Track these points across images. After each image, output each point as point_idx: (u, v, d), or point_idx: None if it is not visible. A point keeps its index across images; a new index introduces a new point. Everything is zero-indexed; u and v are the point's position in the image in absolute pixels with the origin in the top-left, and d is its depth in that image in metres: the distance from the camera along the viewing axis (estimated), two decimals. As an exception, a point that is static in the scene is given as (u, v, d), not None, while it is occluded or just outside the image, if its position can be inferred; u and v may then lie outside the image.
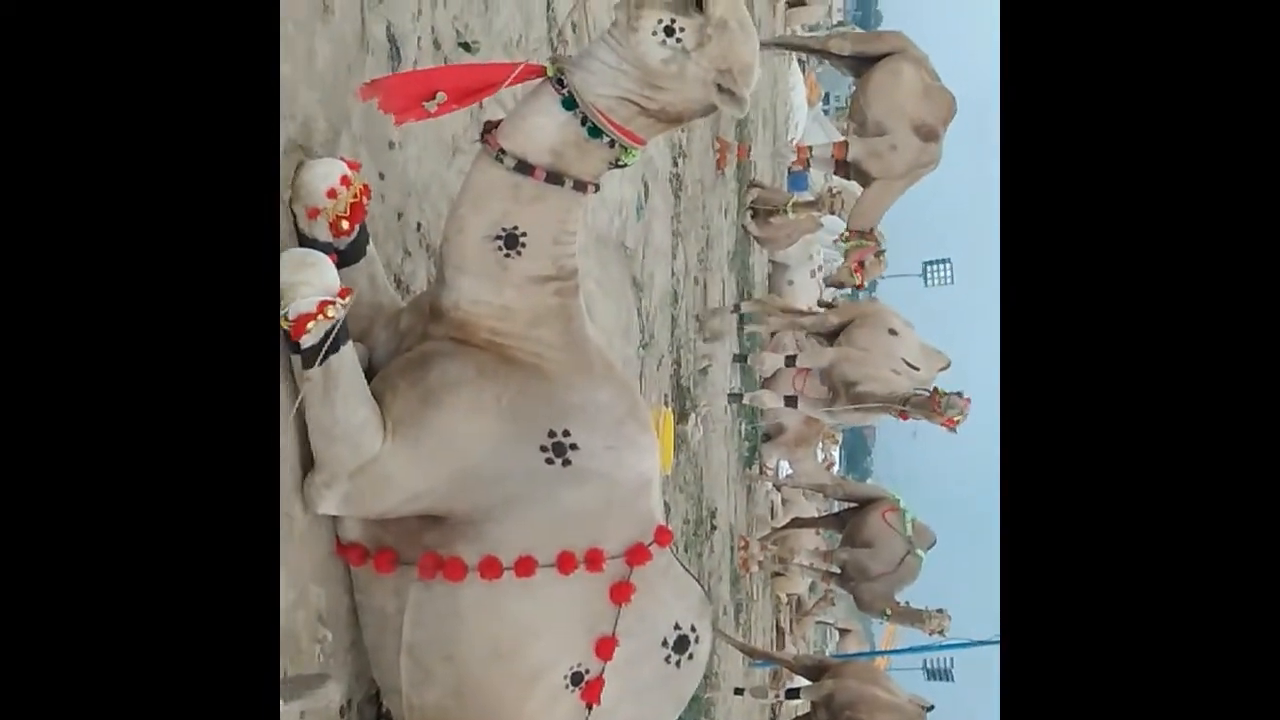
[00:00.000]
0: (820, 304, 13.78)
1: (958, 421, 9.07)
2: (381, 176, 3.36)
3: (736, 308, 11.17)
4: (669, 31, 2.61)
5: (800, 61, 20.72)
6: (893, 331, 10.08)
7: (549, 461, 2.85)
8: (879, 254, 10.44)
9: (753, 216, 13.28)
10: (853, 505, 12.31)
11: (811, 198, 13.47)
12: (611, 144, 2.76)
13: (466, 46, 3.94)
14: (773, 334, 11.46)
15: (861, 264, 10.40)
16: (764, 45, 13.22)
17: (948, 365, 10.10)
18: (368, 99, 2.86)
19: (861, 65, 10.06)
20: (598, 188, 2.86)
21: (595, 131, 2.73)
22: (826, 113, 27.82)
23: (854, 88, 10.25)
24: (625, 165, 2.88)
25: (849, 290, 13.47)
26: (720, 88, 2.66)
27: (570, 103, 2.71)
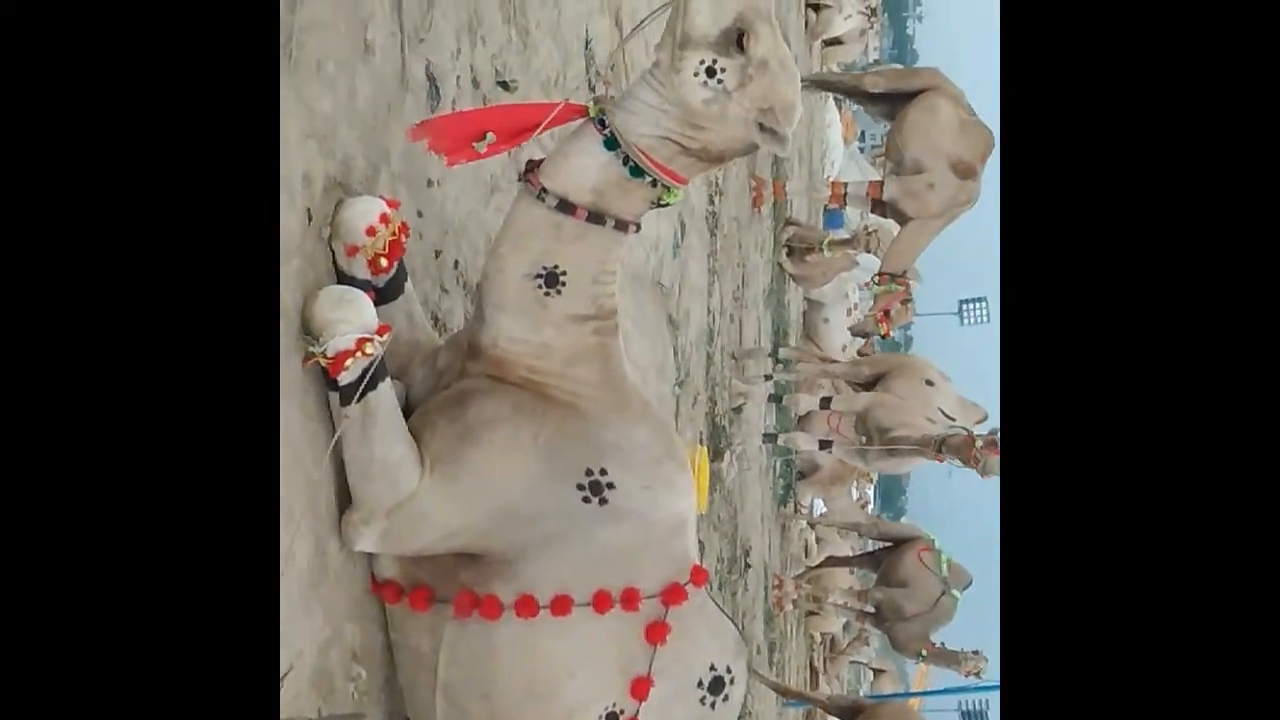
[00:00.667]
0: (859, 353, 13.72)
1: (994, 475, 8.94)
2: (420, 214, 3.37)
3: (774, 353, 11.11)
4: (710, 72, 2.62)
5: (836, 99, 20.76)
6: (929, 382, 9.99)
7: (585, 500, 2.84)
8: (906, 302, 10.34)
9: (788, 254, 13.28)
10: (887, 544, 12.23)
11: (847, 235, 13.47)
12: (653, 183, 2.77)
13: (505, 85, 3.96)
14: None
15: (887, 313, 10.29)
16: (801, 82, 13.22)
17: (985, 418, 9.93)
18: (417, 140, 2.87)
19: (896, 104, 10.02)
20: (639, 227, 2.87)
21: (637, 171, 2.73)
22: (862, 150, 27.83)
23: (890, 126, 10.18)
24: (667, 205, 2.89)
25: (875, 339, 13.35)
26: (762, 126, 2.67)
27: (612, 143, 2.72)
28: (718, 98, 2.64)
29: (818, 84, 13.15)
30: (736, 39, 2.61)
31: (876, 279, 10.30)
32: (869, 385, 10.13)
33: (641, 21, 2.88)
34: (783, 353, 11.26)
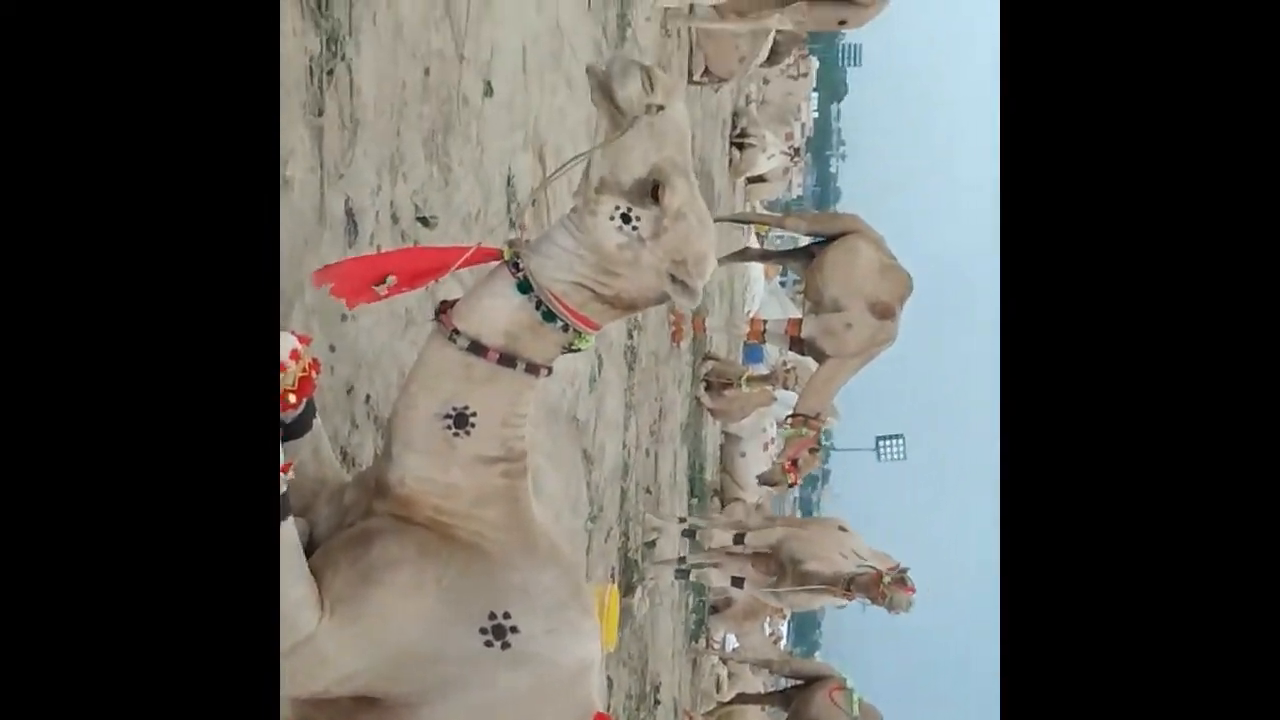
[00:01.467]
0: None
1: (902, 612, 8.98)
2: (332, 349, 3.36)
3: (683, 519, 11.10)
4: (625, 218, 2.64)
5: (758, 235, 21.05)
6: (842, 529, 10.04)
7: (488, 644, 2.80)
8: (814, 450, 10.41)
9: (707, 389, 13.35)
10: (799, 682, 12.17)
11: (766, 371, 13.57)
12: (566, 328, 2.77)
13: (425, 221, 3.98)
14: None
15: (795, 462, 10.36)
16: (722, 220, 13.46)
17: (895, 566, 9.96)
18: (320, 286, 2.87)
19: (815, 247, 10.20)
20: (550, 371, 2.86)
21: (549, 316, 2.74)
22: (784, 284, 28.12)
23: (809, 266, 10.33)
24: (579, 350, 2.89)
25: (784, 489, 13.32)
26: (674, 278, 2.68)
27: (525, 286, 2.73)
28: (632, 244, 2.66)
29: (739, 221, 13.38)
30: (652, 190, 2.63)
31: (789, 420, 10.38)
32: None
33: (561, 167, 2.91)
34: (691, 520, 11.21)
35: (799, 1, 10.62)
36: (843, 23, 10.94)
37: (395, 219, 3.79)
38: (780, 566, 9.86)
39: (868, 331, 9.96)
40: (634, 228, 2.64)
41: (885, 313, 9.92)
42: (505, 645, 2.80)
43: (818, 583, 9.35)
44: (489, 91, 4.86)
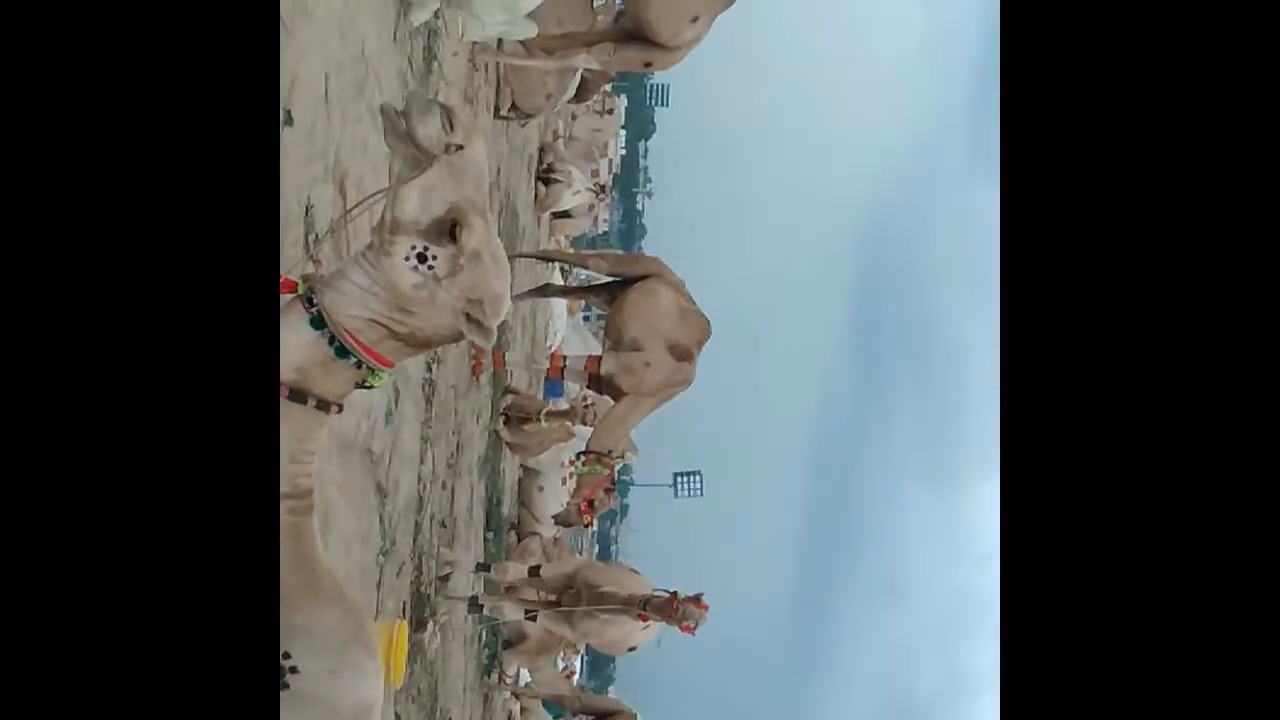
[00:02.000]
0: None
1: (694, 627, 9.08)
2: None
3: (480, 566, 11.08)
4: (422, 258, 2.65)
5: (562, 270, 21.13)
6: (635, 571, 10.14)
7: None
8: (609, 490, 10.50)
9: (505, 423, 13.34)
10: (591, 718, 12.20)
11: (566, 406, 13.61)
12: (359, 365, 2.75)
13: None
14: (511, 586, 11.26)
15: (591, 503, 10.44)
16: (525, 256, 13.47)
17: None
18: None
19: (617, 286, 10.28)
20: (341, 408, 2.84)
21: (343, 352, 2.72)
22: (587, 320, 28.25)
23: (609, 306, 10.42)
24: (372, 387, 2.87)
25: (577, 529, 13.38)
26: (469, 317, 2.69)
27: (319, 322, 2.71)
28: (427, 283, 2.66)
29: (543, 258, 13.44)
30: (449, 229, 2.64)
31: (582, 458, 10.43)
32: (565, 588, 10.12)
33: (359, 203, 2.90)
34: (491, 572, 11.19)
35: (605, 42, 10.72)
36: (648, 64, 11.07)
37: (187, 247, 3.70)
38: (576, 595, 9.86)
39: (665, 371, 10.07)
40: (430, 267, 2.65)
41: (683, 355, 10.06)
42: (284, 686, 2.76)
43: (614, 603, 9.40)
44: (289, 120, 4.79)
